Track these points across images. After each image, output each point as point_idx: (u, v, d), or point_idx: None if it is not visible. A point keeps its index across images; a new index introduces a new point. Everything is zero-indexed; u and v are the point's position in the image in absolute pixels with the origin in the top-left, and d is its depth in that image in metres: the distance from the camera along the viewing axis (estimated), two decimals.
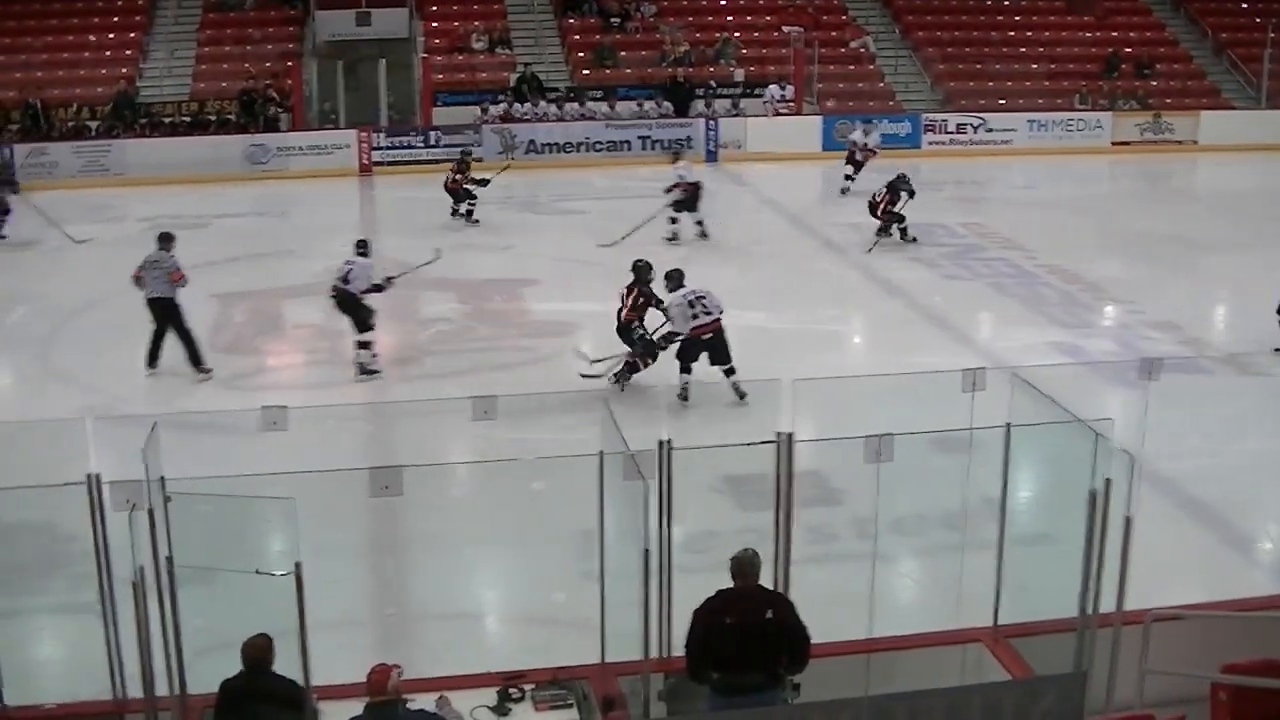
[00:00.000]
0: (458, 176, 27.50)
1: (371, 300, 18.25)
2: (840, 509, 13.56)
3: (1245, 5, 41.96)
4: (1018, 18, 40.27)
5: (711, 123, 35.06)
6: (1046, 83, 37.97)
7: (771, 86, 36.25)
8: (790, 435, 9.31)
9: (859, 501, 13.14)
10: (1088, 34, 40.01)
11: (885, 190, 25.20)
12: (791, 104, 36.30)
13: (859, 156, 30.56)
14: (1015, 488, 10.32)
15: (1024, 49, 39.04)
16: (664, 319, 17.33)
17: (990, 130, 35.68)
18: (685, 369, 17.00)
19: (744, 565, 8.75)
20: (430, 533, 13.52)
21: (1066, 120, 36.48)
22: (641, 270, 17.83)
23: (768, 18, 38.75)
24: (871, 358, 19.27)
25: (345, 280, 18.13)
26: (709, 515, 13.05)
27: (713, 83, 36.69)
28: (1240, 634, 10.55)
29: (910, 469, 12.40)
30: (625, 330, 17.55)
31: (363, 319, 18.21)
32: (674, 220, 26.03)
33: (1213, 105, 38.58)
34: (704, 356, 16.90)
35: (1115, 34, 40.16)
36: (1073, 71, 38.54)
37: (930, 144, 35.44)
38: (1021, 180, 33.41)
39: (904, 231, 25.44)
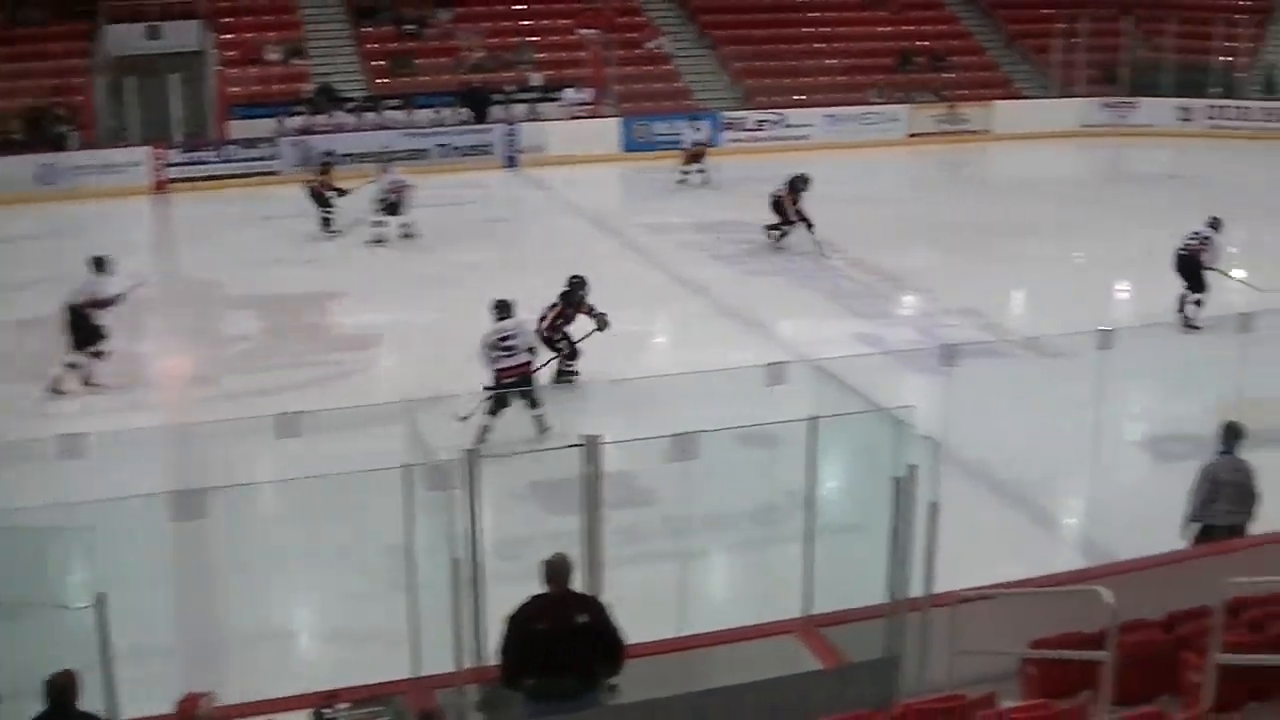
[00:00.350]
0: (320, 179, 27.23)
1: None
2: (650, 509, 13.55)
3: None
4: (814, 14, 40.70)
5: (510, 128, 34.93)
6: (843, 78, 38.45)
7: (569, 90, 36.25)
8: (597, 438, 9.28)
9: (668, 500, 13.21)
10: (883, 29, 40.58)
11: (787, 189, 25.26)
12: (590, 106, 36.32)
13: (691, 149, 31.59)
14: (822, 479, 10.40)
15: (821, 45, 39.51)
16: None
17: (789, 126, 36.06)
18: (493, 412, 16.01)
19: (555, 570, 8.71)
20: (239, 554, 13.25)
21: (863, 114, 37.00)
22: (575, 287, 17.90)
23: (564, 21, 38.69)
24: (677, 356, 19.27)
25: (82, 296, 18.15)
26: (519, 522, 12.97)
27: (511, 87, 36.56)
28: (1047, 610, 10.74)
29: (718, 466, 12.49)
30: (550, 342, 17.56)
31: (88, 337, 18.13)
32: (380, 224, 26.31)
33: (1006, 95, 39.46)
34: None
35: (910, 28, 40.81)
36: (869, 66, 39.09)
37: (730, 141, 35.65)
38: (818, 175, 33.65)
39: (781, 235, 25.66)
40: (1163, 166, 36.08)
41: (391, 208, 26.35)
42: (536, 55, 37.63)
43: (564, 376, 17.80)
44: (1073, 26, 39.94)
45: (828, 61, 38.84)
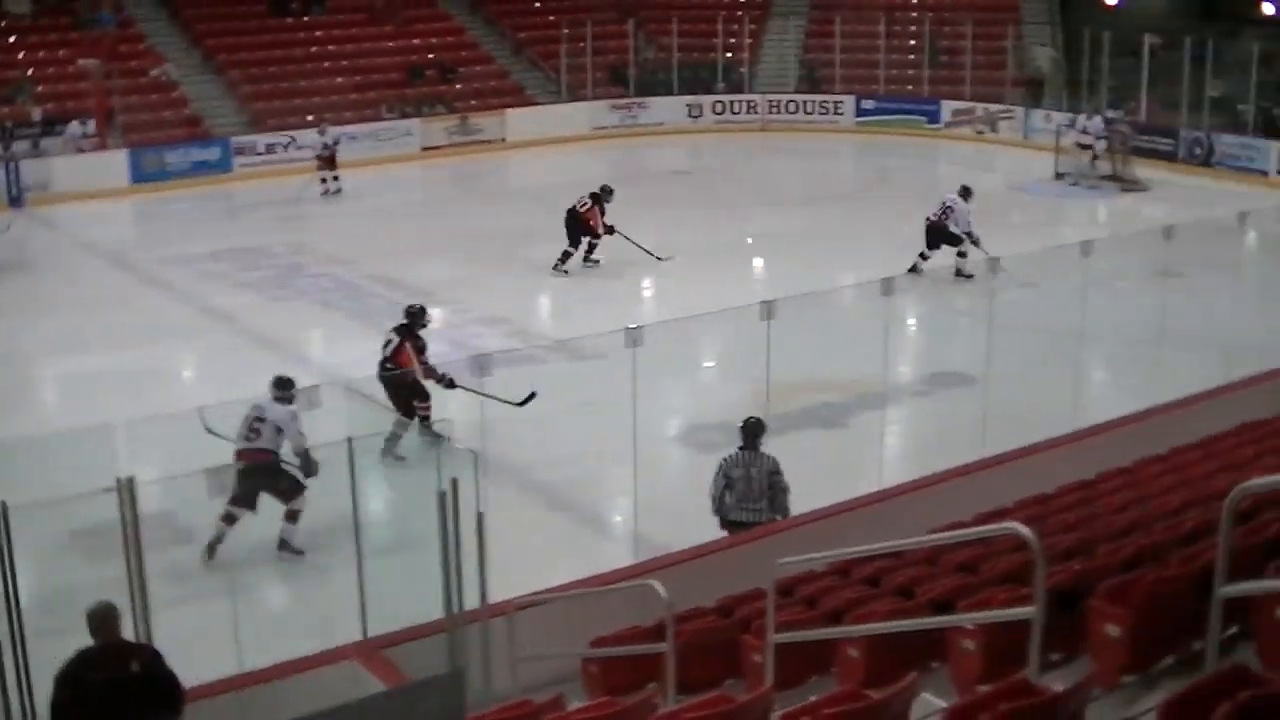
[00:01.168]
0: None
1: None
2: (196, 546, 13.14)
3: (539, 4, 43.62)
4: (319, 33, 40.24)
5: (12, 165, 33.30)
6: (354, 95, 38.17)
7: (73, 123, 34.80)
8: (131, 479, 8.93)
9: (210, 536, 12.87)
10: (390, 43, 40.43)
11: (591, 202, 24.81)
12: (95, 139, 34.98)
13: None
14: (367, 499, 10.30)
15: (329, 63, 39.06)
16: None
17: (301, 148, 35.54)
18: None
19: (99, 619, 8.31)
20: None
21: (377, 131, 36.80)
22: (415, 317, 16.81)
23: (62, 52, 37.11)
24: (208, 389, 18.75)
25: None
26: (61, 573, 12.39)
27: (9, 123, 34.87)
28: (604, 608, 10.91)
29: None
30: (414, 389, 16.04)
31: None
32: None
33: (517, 103, 39.88)
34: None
35: (418, 41, 40.79)
36: (378, 82, 38.91)
37: (241, 166, 34.92)
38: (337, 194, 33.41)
39: (590, 251, 25.41)
40: (674, 163, 37.22)
41: None
42: (36, 89, 36.01)
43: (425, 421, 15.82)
44: (579, 31, 40.73)
45: (338, 80, 38.46)
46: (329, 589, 11.01)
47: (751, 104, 41.46)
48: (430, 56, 40.18)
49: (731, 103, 41.55)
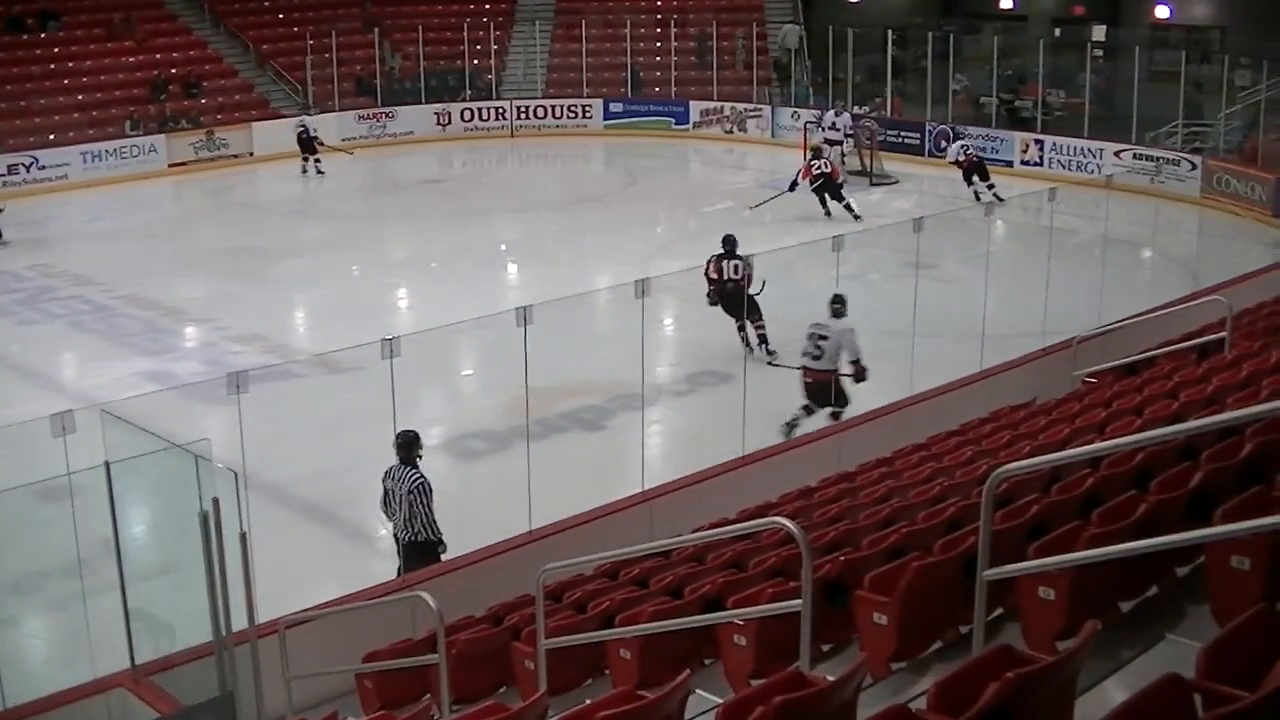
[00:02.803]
0: None
1: None
2: None
3: (282, 16, 43.05)
4: (56, 49, 39.12)
5: None
6: (95, 112, 37.24)
7: None
8: None
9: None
10: (131, 59, 39.53)
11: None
12: None
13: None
14: (128, 524, 10.09)
15: (68, 80, 38.04)
16: None
17: (43, 168, 34.59)
18: None
19: None
20: None
21: (120, 148, 35.96)
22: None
23: None
24: None
25: None
26: None
27: None
28: (375, 621, 10.87)
29: (15, 525, 11.91)
30: None
31: None
32: None
33: (264, 116, 39.35)
34: None
35: (159, 55, 39.93)
36: (120, 98, 38.02)
37: None
38: (84, 214, 32.59)
39: None
40: (425, 173, 37.07)
41: None
42: None
43: None
44: (323, 42, 40.34)
45: (78, 97, 37.48)
46: (93, 617, 10.74)
47: (500, 110, 41.52)
48: (173, 71, 39.38)
49: (480, 110, 41.57)
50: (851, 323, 16.01)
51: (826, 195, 28.55)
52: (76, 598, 11.34)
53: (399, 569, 12.51)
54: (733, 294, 19.25)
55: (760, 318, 19.19)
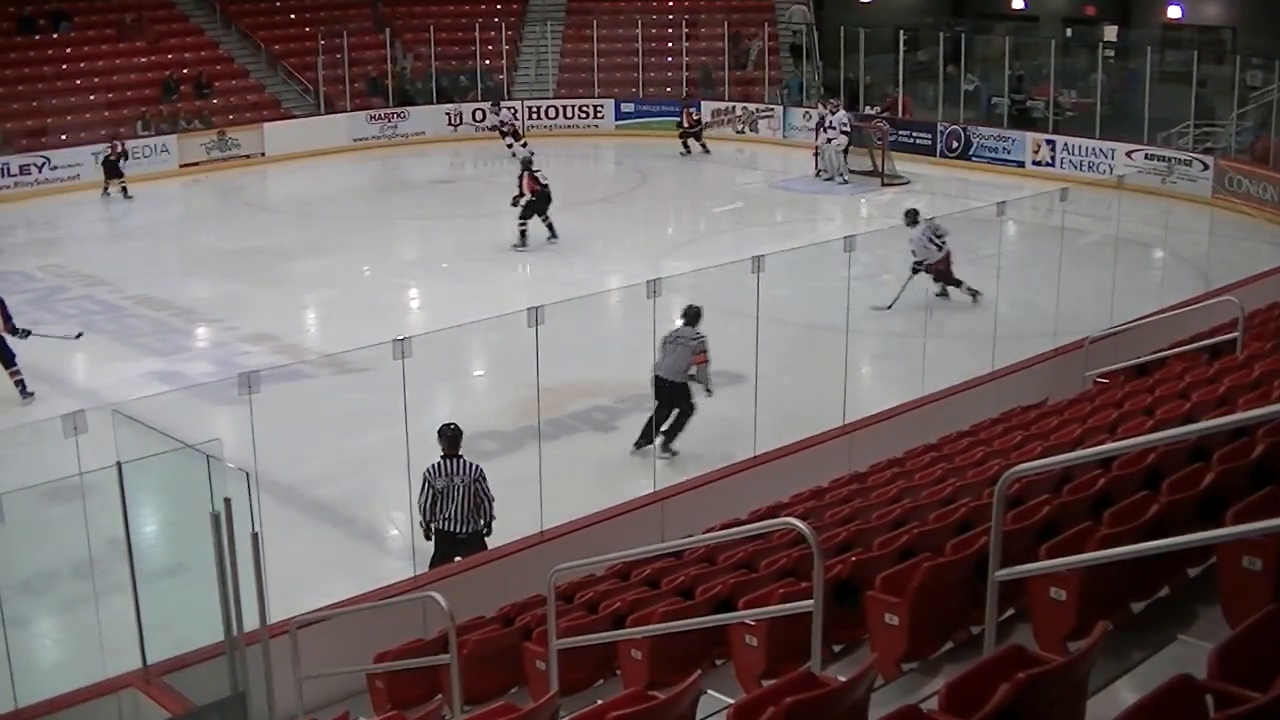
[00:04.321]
0: None
1: None
2: None
3: (294, 17, 43.09)
4: (68, 49, 39.16)
5: None
6: (107, 113, 37.25)
7: None
8: None
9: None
10: (142, 59, 39.55)
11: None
12: None
13: None
14: (140, 524, 10.11)
15: (79, 81, 38.07)
16: None
17: (55, 168, 34.63)
18: None
19: None
20: None
21: (132, 148, 35.90)
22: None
23: None
24: None
25: None
26: None
27: None
28: (386, 621, 10.87)
29: (27, 525, 11.94)
30: None
31: None
32: None
33: (275, 116, 39.37)
34: None
35: (170, 56, 39.97)
36: (132, 99, 38.06)
37: None
38: (97, 215, 32.57)
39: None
40: (436, 173, 37.07)
41: None
42: None
43: None
44: (334, 43, 40.34)
45: (90, 97, 37.53)
46: (105, 618, 10.76)
47: (512, 110, 41.52)
48: (184, 71, 39.42)
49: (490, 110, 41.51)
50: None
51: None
52: (88, 597, 11.35)
53: (434, 560, 12.63)
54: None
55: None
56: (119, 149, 33.46)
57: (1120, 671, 6.33)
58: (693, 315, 16.25)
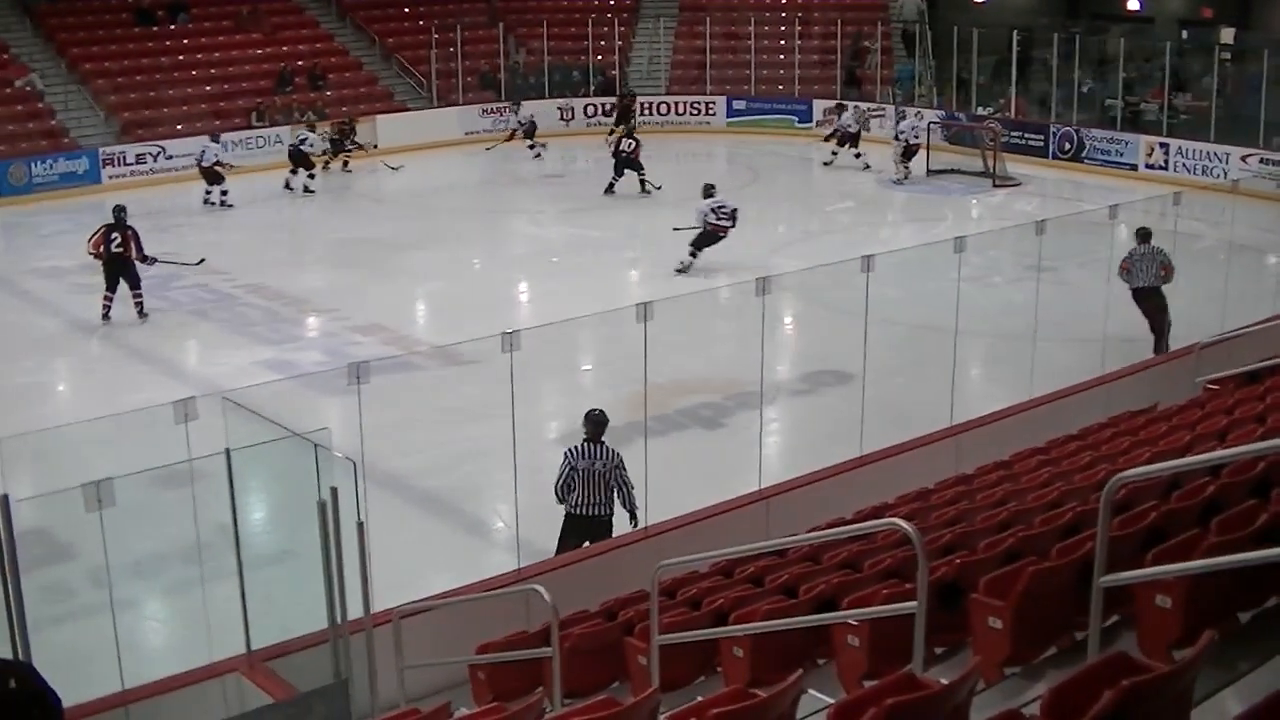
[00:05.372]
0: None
1: None
2: (75, 563, 12.96)
3: (408, 10, 43.42)
4: (185, 41, 39.72)
5: None
6: (223, 103, 37.75)
7: None
8: (5, 496, 8.80)
9: (92, 552, 12.65)
10: (258, 50, 40.04)
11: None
12: None
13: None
14: (247, 511, 10.23)
15: (195, 72, 38.64)
16: None
17: (171, 157, 35.10)
18: None
19: None
20: None
21: (246, 139, 36.42)
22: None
23: None
24: (83, 403, 18.52)
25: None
26: None
27: None
28: (489, 613, 10.93)
29: (138, 510, 12.08)
30: None
31: None
32: None
33: (388, 109, 39.72)
34: None
35: (285, 48, 40.42)
36: (247, 90, 38.52)
37: (111, 178, 34.36)
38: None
39: None
40: (547, 167, 37.16)
41: None
42: None
43: None
44: (448, 37, 40.62)
45: (206, 89, 38.06)
46: (211, 602, 10.90)
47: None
48: (299, 64, 39.83)
49: (603, 105, 41.61)
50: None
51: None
52: (195, 582, 11.50)
53: (560, 540, 12.78)
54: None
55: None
56: (305, 138, 34.16)
57: (1226, 682, 6.24)
58: (1144, 235, 18.73)
